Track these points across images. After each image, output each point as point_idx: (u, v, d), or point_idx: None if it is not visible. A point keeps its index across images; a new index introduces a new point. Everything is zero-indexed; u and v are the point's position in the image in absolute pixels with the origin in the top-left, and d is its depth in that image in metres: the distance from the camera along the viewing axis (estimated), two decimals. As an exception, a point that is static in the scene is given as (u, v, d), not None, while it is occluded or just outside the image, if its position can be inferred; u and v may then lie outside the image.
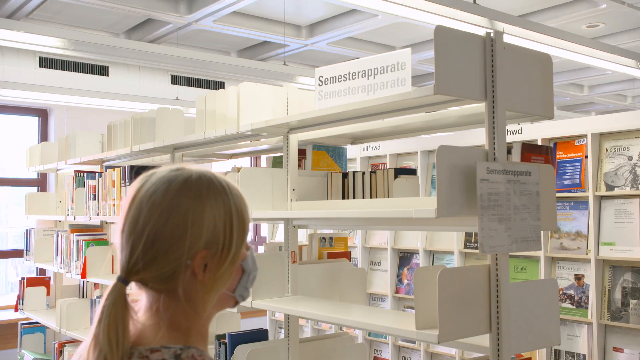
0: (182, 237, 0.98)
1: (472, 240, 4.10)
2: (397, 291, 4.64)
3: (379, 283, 4.77)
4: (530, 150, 2.11)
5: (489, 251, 1.91)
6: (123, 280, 0.99)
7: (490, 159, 1.95)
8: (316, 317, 2.52)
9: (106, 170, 3.72)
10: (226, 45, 5.99)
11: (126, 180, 3.47)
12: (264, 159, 3.43)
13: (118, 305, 0.97)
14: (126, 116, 3.76)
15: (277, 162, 3.16)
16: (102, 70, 5.91)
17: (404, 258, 4.64)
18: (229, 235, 1.02)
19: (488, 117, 1.95)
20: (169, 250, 0.98)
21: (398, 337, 2.36)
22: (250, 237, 8.38)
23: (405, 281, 4.59)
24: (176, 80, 6.16)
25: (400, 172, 2.61)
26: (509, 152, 2.19)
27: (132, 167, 3.48)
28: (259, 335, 2.82)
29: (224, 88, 6.37)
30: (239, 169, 2.73)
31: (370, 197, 2.67)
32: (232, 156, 3.73)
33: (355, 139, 3.08)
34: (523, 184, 1.98)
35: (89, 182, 3.90)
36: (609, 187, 3.45)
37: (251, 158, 7.29)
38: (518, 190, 1.97)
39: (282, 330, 4.91)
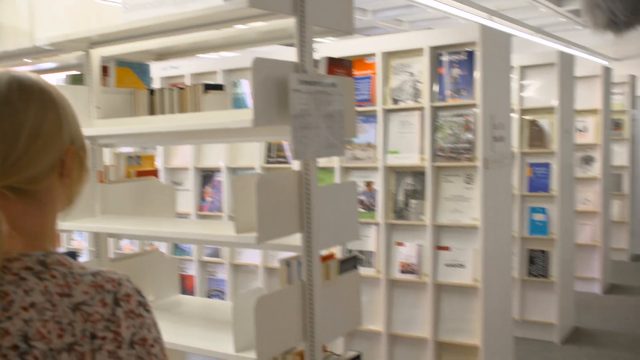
0: (60, 128, 0.96)
1: (273, 156, 4.31)
2: (200, 209, 4.73)
3: (182, 203, 4.82)
4: (334, 63, 2.28)
5: (301, 157, 2.08)
6: None
7: (301, 72, 2.09)
8: (129, 233, 2.54)
9: None
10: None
11: None
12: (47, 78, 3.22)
13: None
14: None
15: (76, 81, 3.00)
16: None
17: (207, 177, 4.72)
18: (80, 132, 1.02)
19: (299, 31, 2.07)
20: (52, 142, 0.94)
21: (219, 243, 2.48)
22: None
23: (209, 199, 4.69)
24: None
25: (209, 87, 2.66)
26: (315, 66, 2.36)
27: None
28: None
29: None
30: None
31: (180, 114, 2.68)
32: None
33: (160, 56, 3.04)
34: (329, 95, 2.16)
35: None
36: (395, 101, 3.84)
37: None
38: (325, 101, 2.15)
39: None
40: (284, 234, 2.14)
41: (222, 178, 4.56)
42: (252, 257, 4.50)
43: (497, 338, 3.81)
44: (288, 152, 4.23)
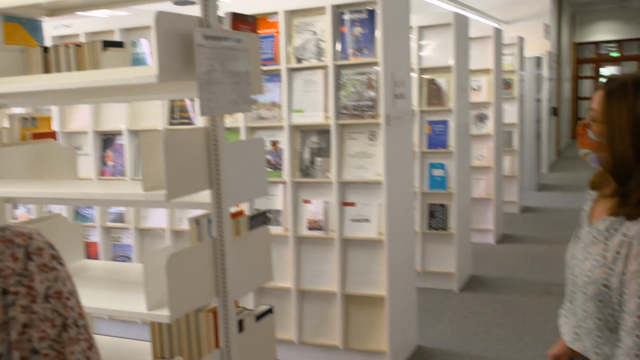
0: None
1: (176, 117, 4.23)
2: (102, 174, 4.59)
3: (82, 168, 4.64)
4: (238, 19, 2.26)
5: (208, 113, 2.07)
6: None
7: (205, 27, 2.06)
8: (29, 196, 2.44)
9: None
10: None
11: None
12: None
13: None
14: None
15: (-42, 37, 2.80)
16: None
17: (107, 140, 4.57)
18: None
19: (201, -16, 2.04)
20: None
21: (129, 202, 2.41)
22: None
23: (110, 163, 4.55)
24: None
25: (108, 44, 2.56)
26: (219, 22, 2.33)
27: None
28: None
29: None
30: None
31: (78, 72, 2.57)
32: None
33: (52, 12, 2.89)
34: (235, 51, 2.15)
35: None
36: (298, 60, 3.85)
37: None
38: (231, 56, 2.14)
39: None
40: (193, 190, 2.13)
41: (124, 141, 4.43)
42: (158, 220, 4.43)
43: (401, 288, 3.99)
44: (192, 113, 4.16)
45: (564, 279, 1.79)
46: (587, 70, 19.03)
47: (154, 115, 4.32)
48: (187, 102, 4.18)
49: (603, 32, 17.72)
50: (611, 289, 1.56)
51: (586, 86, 18.95)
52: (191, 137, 2.10)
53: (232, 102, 2.17)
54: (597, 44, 18.28)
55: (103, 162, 4.58)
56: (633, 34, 17.21)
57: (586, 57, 18.62)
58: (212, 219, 2.22)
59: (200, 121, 4.07)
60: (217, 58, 2.07)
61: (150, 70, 1.98)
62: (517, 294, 5.29)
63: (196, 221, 2.32)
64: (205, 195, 2.22)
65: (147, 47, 4.11)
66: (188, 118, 4.18)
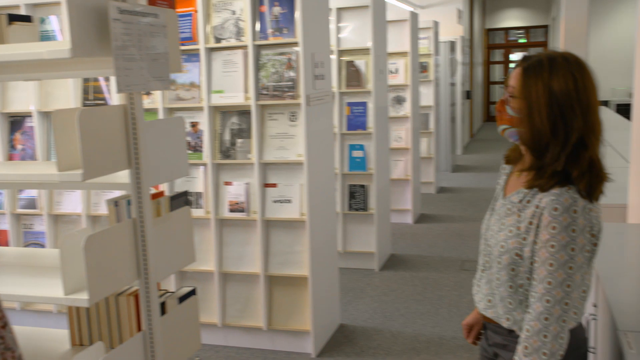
0: None
1: (90, 98, 4.08)
2: (10, 158, 4.37)
3: (-12, 152, 4.41)
4: (155, -6, 2.20)
5: (125, 90, 2.00)
6: None
7: (120, 1, 1.99)
8: None
9: None
10: None
11: None
12: None
13: None
14: None
15: None
16: None
17: (15, 122, 4.35)
18: None
19: (115, -44, 1.96)
20: None
21: (43, 184, 2.28)
22: None
23: (19, 146, 4.34)
24: None
25: (14, 18, 2.43)
26: (134, -4, 2.25)
27: None
28: None
29: None
30: None
31: (-18, 47, 2.43)
32: None
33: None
34: (153, 26, 2.09)
35: None
36: (217, 40, 3.79)
37: None
38: (148, 32, 2.07)
39: None
40: (111, 170, 2.06)
41: (34, 123, 4.23)
42: (73, 205, 4.27)
43: (323, 269, 4.03)
44: (107, 94, 4.02)
45: (478, 253, 1.86)
46: (498, 55, 19.75)
47: (66, 96, 4.14)
48: (102, 83, 4.03)
49: (512, 19, 18.42)
50: (523, 258, 1.63)
51: (497, 71, 19.68)
52: (108, 115, 2.02)
53: (150, 79, 2.11)
54: (506, 30, 18.99)
55: (11, 145, 4.36)
56: (539, 21, 17.99)
57: (496, 42, 19.32)
58: (132, 199, 2.16)
59: (116, 101, 3.94)
60: (133, 34, 2.00)
61: (62, 44, 1.89)
62: (435, 271, 5.46)
63: (115, 203, 2.26)
64: (124, 176, 2.16)
65: (57, 24, 3.93)
66: (103, 99, 4.04)
